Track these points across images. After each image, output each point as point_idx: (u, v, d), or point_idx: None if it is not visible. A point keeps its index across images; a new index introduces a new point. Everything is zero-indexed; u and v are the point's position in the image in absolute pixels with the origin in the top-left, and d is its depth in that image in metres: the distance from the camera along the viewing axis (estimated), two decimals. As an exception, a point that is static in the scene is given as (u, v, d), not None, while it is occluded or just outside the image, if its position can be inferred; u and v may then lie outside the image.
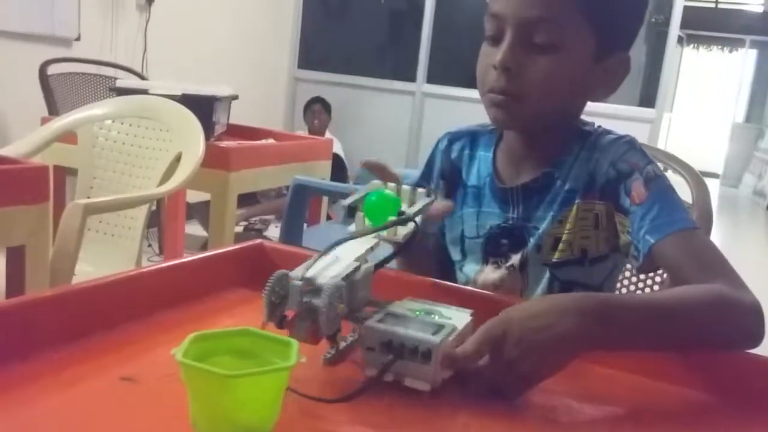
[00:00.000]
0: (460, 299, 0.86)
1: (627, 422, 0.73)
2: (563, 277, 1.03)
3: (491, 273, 1.07)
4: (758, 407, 0.76)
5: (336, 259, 0.73)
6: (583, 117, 1.07)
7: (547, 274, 1.03)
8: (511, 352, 0.70)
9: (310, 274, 0.68)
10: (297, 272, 0.69)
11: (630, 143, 1.00)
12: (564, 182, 1.01)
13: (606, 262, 1.03)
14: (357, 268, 0.73)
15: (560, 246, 1.01)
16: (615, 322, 0.75)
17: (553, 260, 1.02)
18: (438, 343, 0.68)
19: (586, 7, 0.94)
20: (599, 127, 1.05)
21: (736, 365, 0.79)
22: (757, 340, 0.80)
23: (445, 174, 1.14)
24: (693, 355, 0.80)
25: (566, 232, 1.01)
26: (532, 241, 1.03)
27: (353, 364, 0.75)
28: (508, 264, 1.05)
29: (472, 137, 1.13)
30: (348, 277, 0.71)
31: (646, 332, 0.78)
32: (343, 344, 0.75)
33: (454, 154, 1.14)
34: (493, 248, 1.07)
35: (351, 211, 0.85)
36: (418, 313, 0.76)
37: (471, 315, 0.77)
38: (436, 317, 0.75)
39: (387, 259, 0.84)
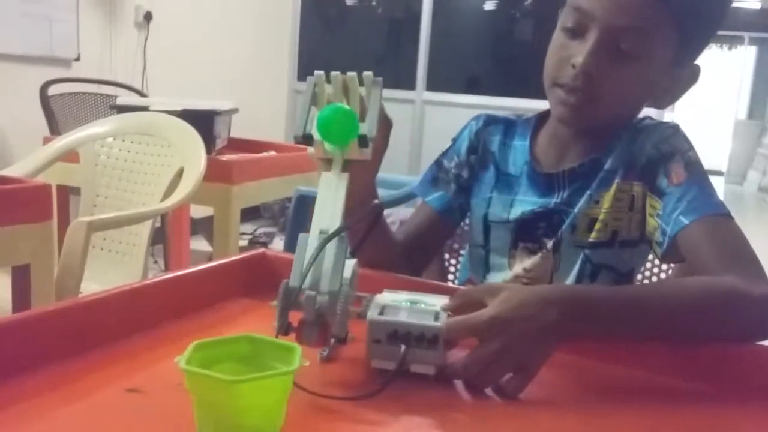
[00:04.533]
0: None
1: (625, 414, 0.72)
2: (596, 260, 1.02)
3: (526, 259, 1.06)
4: (756, 396, 0.76)
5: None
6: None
7: (581, 256, 1.03)
8: (501, 340, 0.71)
9: (310, 279, 0.70)
10: (295, 279, 0.70)
11: (675, 128, 1.01)
12: (604, 164, 1.02)
13: (634, 249, 1.02)
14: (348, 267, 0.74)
15: (597, 226, 1.01)
16: (594, 312, 0.76)
17: (589, 240, 1.02)
18: (443, 328, 0.71)
19: (679, 17, 0.92)
20: (644, 116, 1.05)
21: (736, 356, 0.79)
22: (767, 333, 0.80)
23: (477, 151, 1.13)
24: (689, 348, 0.80)
25: (603, 211, 1.01)
26: (566, 221, 1.03)
27: (349, 360, 0.77)
28: (543, 249, 1.05)
29: (507, 124, 1.13)
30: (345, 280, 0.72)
31: (629, 323, 0.78)
32: (332, 341, 0.75)
33: (488, 135, 1.13)
34: (526, 232, 1.06)
35: (306, 139, 0.79)
36: (405, 303, 0.77)
37: None
38: (423, 305, 0.77)
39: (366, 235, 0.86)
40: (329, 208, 0.75)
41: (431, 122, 5.04)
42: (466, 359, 0.72)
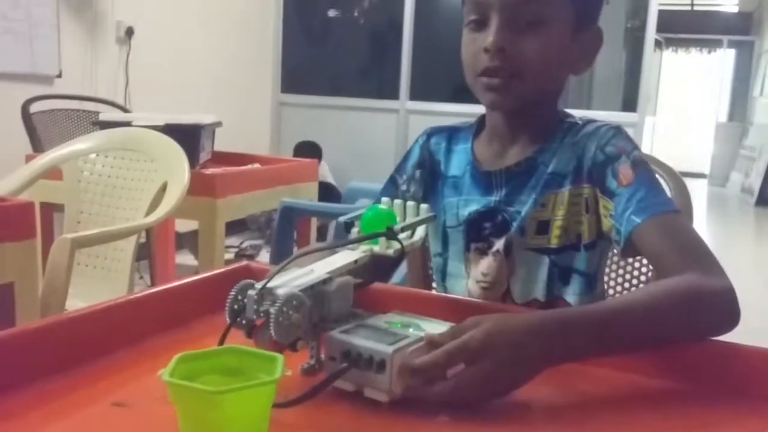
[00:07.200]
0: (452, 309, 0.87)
1: (601, 415, 0.73)
2: (562, 263, 1.05)
3: (481, 261, 1.09)
4: (734, 394, 0.77)
5: (310, 272, 0.75)
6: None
7: (547, 262, 1.05)
8: (488, 366, 0.70)
9: (272, 284, 0.70)
10: (260, 282, 0.70)
11: (617, 129, 1.04)
12: (547, 166, 1.04)
13: (596, 248, 1.05)
14: (327, 280, 0.74)
15: (556, 232, 1.03)
16: (582, 338, 0.76)
17: (552, 246, 1.04)
18: (390, 353, 0.67)
19: None
20: (583, 118, 1.08)
21: (712, 354, 0.80)
22: (730, 325, 0.82)
23: (425, 164, 1.16)
24: (665, 348, 0.81)
25: (560, 218, 1.03)
26: (515, 224, 1.05)
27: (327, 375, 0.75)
28: (493, 250, 1.07)
29: (450, 132, 1.16)
30: (313, 288, 0.72)
31: (620, 341, 0.79)
32: (322, 356, 0.74)
33: (432, 147, 1.17)
34: (475, 233, 1.09)
35: (347, 227, 0.87)
36: (394, 324, 0.75)
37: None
38: (411, 329, 0.74)
39: (371, 280, 0.87)
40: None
41: (415, 131, 5.00)
42: (455, 382, 0.69)
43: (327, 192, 4.39)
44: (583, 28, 1.03)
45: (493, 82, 1.00)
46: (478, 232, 1.09)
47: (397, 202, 0.91)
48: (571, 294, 1.06)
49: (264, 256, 4.20)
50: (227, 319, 0.71)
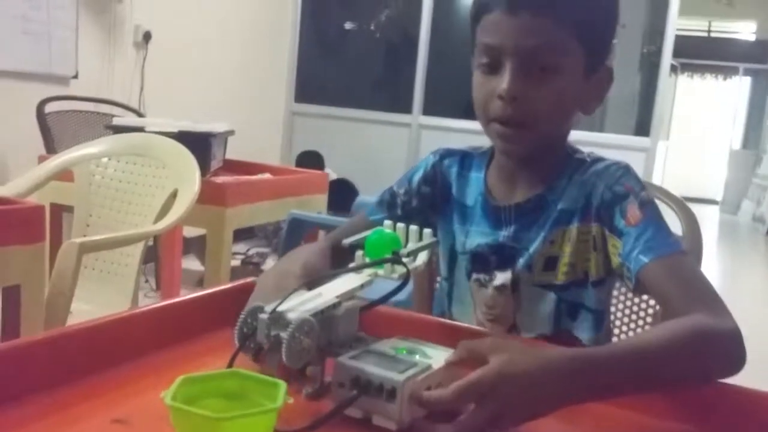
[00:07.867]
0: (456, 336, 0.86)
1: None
2: (569, 298, 1.05)
3: (483, 290, 1.09)
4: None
5: (318, 295, 0.74)
6: (579, 146, 1.10)
7: (554, 297, 1.04)
8: (498, 405, 0.68)
9: (282, 308, 0.70)
10: (269, 306, 0.70)
11: (626, 168, 1.04)
12: (556, 204, 1.04)
13: (604, 285, 1.05)
14: (336, 305, 0.74)
15: (563, 269, 1.03)
16: (600, 380, 0.75)
17: (559, 282, 1.04)
18: (402, 382, 0.67)
19: (576, 29, 0.98)
20: (591, 153, 1.08)
21: (719, 395, 0.80)
22: (737, 367, 0.81)
23: (436, 183, 1.15)
24: (675, 390, 0.80)
25: (567, 254, 1.03)
26: (522, 260, 1.05)
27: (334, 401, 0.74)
28: (497, 283, 1.07)
29: (463, 156, 1.16)
30: (323, 313, 0.71)
31: (629, 384, 0.78)
32: (328, 379, 0.74)
33: (445, 169, 1.16)
34: (479, 264, 1.09)
35: (351, 250, 0.86)
36: (400, 351, 0.75)
37: None
38: (418, 356, 0.74)
39: (379, 301, 0.86)
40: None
41: (427, 146, 5.04)
42: (461, 422, 0.68)
43: (343, 187, 4.41)
44: (594, 69, 1.02)
45: (506, 131, 1.00)
46: (483, 263, 1.08)
47: (400, 225, 0.90)
48: (580, 330, 1.05)
49: (270, 264, 4.20)
50: (236, 342, 0.70)
